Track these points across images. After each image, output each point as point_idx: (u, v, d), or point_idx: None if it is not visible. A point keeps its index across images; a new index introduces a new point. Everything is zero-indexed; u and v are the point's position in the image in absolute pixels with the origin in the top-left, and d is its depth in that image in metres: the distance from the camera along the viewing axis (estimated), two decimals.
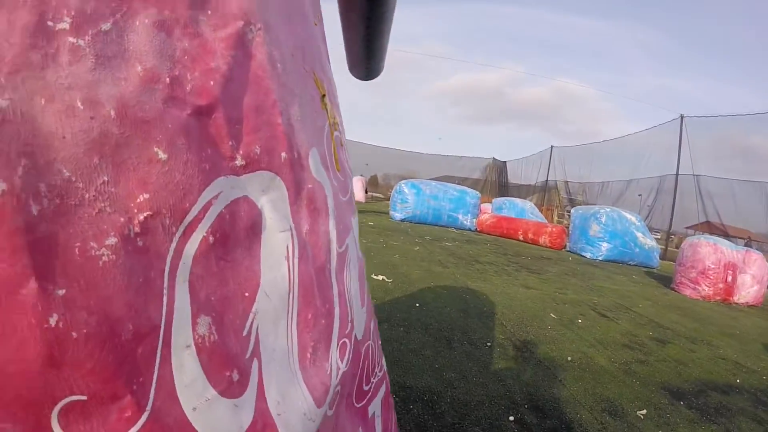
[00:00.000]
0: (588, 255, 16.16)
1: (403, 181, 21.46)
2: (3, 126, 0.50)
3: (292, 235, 0.84)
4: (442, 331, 5.11)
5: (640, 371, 4.91)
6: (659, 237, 24.82)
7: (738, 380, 5.14)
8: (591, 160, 33.45)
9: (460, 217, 20.75)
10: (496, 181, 52.28)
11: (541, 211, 28.17)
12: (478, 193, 22.07)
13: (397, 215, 20.50)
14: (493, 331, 5.49)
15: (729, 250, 10.96)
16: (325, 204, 0.95)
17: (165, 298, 0.61)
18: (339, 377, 0.94)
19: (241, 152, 0.74)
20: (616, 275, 12.55)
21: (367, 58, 0.54)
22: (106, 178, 0.57)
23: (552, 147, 38.90)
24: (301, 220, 0.87)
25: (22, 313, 0.49)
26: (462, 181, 39.61)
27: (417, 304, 6.13)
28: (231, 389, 0.69)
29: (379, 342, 1.36)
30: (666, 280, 12.47)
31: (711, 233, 16.91)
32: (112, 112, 0.59)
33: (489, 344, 4.94)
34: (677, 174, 24.41)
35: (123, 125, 0.59)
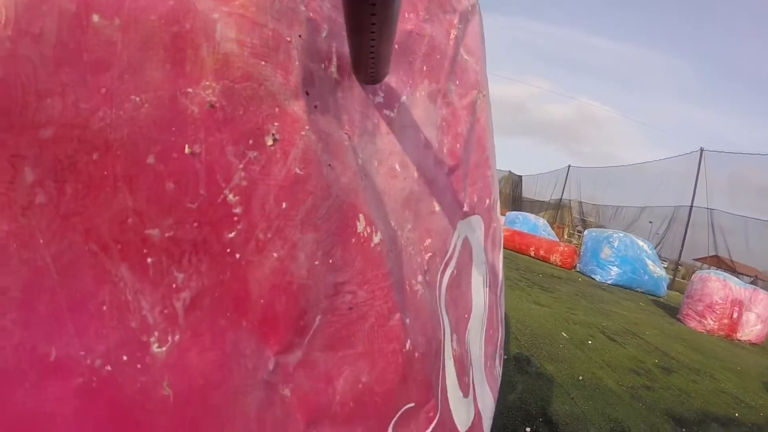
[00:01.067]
0: (597, 278, 16.22)
1: None
2: (363, 181, 0.60)
3: (486, 267, 0.98)
4: None
5: (646, 396, 5.15)
6: (667, 266, 24.75)
7: (737, 414, 5.35)
8: (607, 182, 33.28)
9: None
10: (510, 194, 51.90)
11: (552, 228, 28.09)
12: None
13: None
14: (509, 344, 5.69)
15: (737, 288, 11.05)
16: (501, 240, 1.11)
17: (442, 322, 0.76)
18: (500, 379, 1.15)
19: (467, 201, 0.88)
20: (624, 300, 12.70)
21: (372, 62, 0.57)
22: (410, 227, 0.70)
23: (569, 166, 38.67)
24: (490, 254, 1.02)
25: (389, 340, 0.61)
26: None
27: None
28: (465, 389, 0.85)
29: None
30: (672, 310, 12.58)
31: (718, 267, 16.95)
32: (415, 174, 0.72)
33: (505, 357, 5.17)
34: (691, 206, 24.30)
35: (420, 184, 0.72)
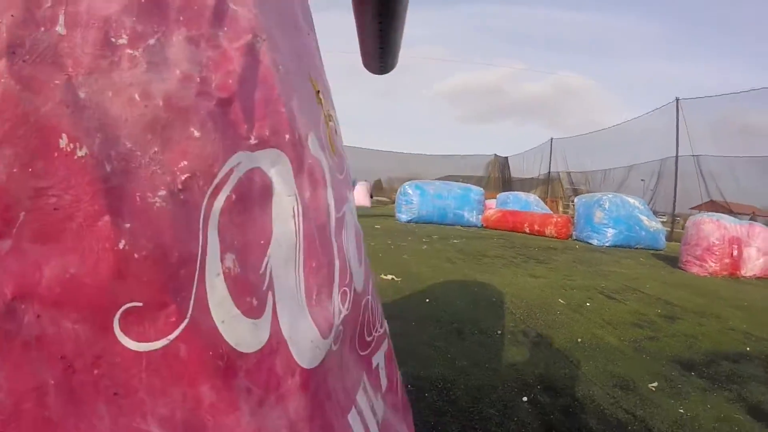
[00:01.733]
0: (595, 242, 16.21)
1: (406, 183, 21.52)
2: (84, 110, 0.69)
3: (296, 199, 1.02)
4: (452, 323, 5.20)
5: (650, 347, 5.00)
6: (665, 220, 24.87)
7: (748, 348, 5.23)
8: (591, 149, 33.56)
9: (466, 214, 20.75)
10: (500, 176, 52.35)
11: (545, 203, 28.25)
12: (481, 189, 22.09)
13: (403, 217, 20.56)
14: (503, 319, 5.59)
15: (732, 225, 11.04)
16: (323, 177, 1.13)
17: (200, 238, 0.80)
18: (341, 318, 1.12)
19: (254, 134, 0.93)
20: (623, 259, 12.62)
21: (380, 54, 0.64)
22: (156, 149, 0.77)
23: (552, 139, 38.97)
24: (304, 188, 1.05)
25: (99, 239, 0.68)
26: (466, 179, 39.68)
27: (427, 300, 6.24)
28: (251, 311, 0.87)
29: (380, 303, 1.51)
30: (673, 261, 12.52)
31: (715, 212, 17.01)
32: (160, 102, 0.79)
33: (499, 332, 5.04)
34: (677, 156, 24.47)
35: (168, 111, 0.79)
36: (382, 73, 0.65)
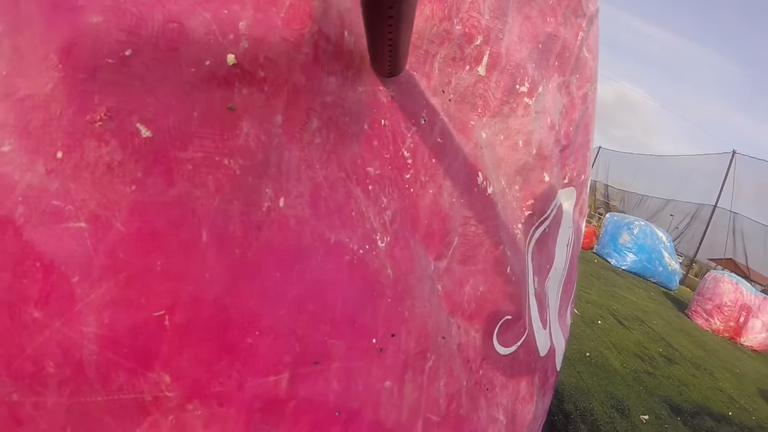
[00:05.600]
0: (613, 261, 16.31)
1: None
2: (484, 149, 0.83)
3: (572, 230, 1.17)
4: None
5: (648, 381, 5.37)
6: (682, 261, 24.64)
7: (730, 413, 5.55)
8: (635, 170, 32.84)
9: None
10: None
11: None
12: None
13: None
14: None
15: (748, 293, 11.07)
16: (585, 210, 1.30)
17: (526, 263, 0.95)
18: (569, 330, 1.35)
19: (568, 174, 1.07)
20: (636, 288, 12.84)
21: (390, 56, 0.65)
22: (517, 187, 0.91)
23: (600, 147, 38.17)
24: (577, 220, 1.20)
25: (497, 263, 0.86)
26: None
27: None
28: (544, 323, 1.05)
29: None
30: (681, 305, 12.71)
31: (733, 271, 16.87)
32: (534, 150, 0.92)
33: None
34: (715, 206, 24.05)
35: (536, 158, 0.93)
36: (390, 76, 0.73)
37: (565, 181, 1.06)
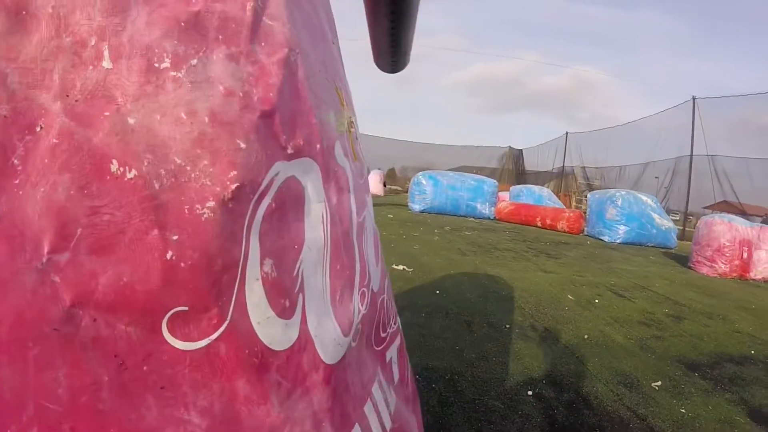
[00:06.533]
0: (606, 238, 16.18)
1: (420, 173, 21.52)
2: (132, 135, 0.78)
3: (325, 205, 1.10)
4: (462, 315, 5.29)
5: (656, 346, 5.05)
6: (677, 218, 24.75)
7: (753, 351, 5.26)
8: (607, 145, 33.32)
9: (479, 206, 20.76)
10: (513, 169, 52.10)
11: (558, 197, 28.11)
12: (495, 181, 22.01)
13: (416, 207, 20.60)
14: (512, 314, 5.66)
15: (743, 227, 11.01)
16: (347, 184, 1.22)
17: (243, 245, 0.87)
18: (359, 317, 1.21)
19: (291, 144, 0.99)
20: (633, 257, 12.63)
21: (392, 52, 0.71)
22: (206, 162, 0.83)
23: (567, 133, 38.71)
24: (331, 194, 1.14)
25: (148, 251, 0.76)
26: (479, 170, 39.40)
27: (437, 292, 6.31)
28: (284, 312, 0.95)
29: (393, 299, 1.62)
30: (683, 260, 12.51)
31: (728, 212, 16.86)
32: (206, 118, 0.85)
33: (508, 326, 5.11)
34: (691, 155, 24.28)
35: (214, 126, 0.86)
36: (393, 72, 0.68)
37: (290, 151, 1.01)
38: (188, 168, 0.83)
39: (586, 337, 5.08)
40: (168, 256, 0.79)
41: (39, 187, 0.72)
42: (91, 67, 0.79)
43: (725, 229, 10.95)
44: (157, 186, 0.80)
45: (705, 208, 26.24)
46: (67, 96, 0.76)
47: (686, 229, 23.49)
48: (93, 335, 0.74)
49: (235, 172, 0.87)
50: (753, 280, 10.71)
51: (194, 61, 0.89)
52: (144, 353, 0.77)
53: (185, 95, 0.85)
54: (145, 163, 0.78)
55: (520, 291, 6.89)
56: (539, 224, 18.62)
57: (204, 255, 0.83)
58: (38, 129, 0.74)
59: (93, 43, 0.80)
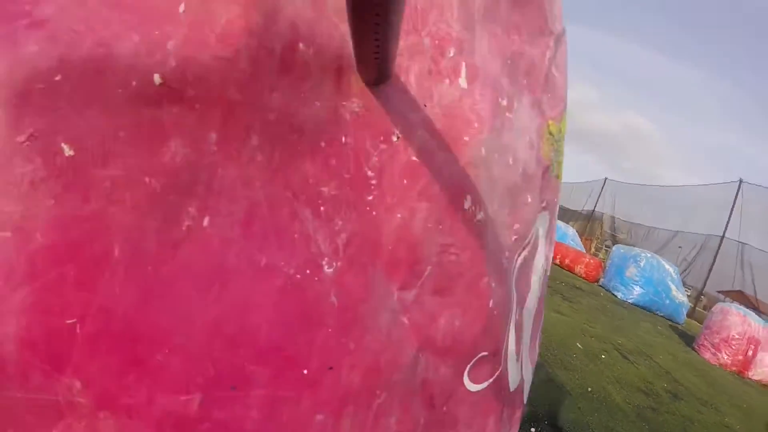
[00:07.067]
0: (620, 295, 16.13)
1: None
2: (481, 171, 0.80)
3: (545, 257, 1.15)
4: None
5: (651, 418, 5.27)
6: (690, 294, 24.46)
7: None
8: (642, 201, 32.77)
9: None
10: None
11: (581, 239, 27.78)
12: None
13: None
14: None
15: (756, 325, 10.93)
16: (554, 238, 1.25)
17: (511, 292, 0.93)
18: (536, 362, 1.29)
19: (546, 198, 1.04)
20: (642, 321, 12.68)
21: (376, 63, 0.64)
22: (507, 211, 0.89)
23: (606, 179, 38.16)
24: (548, 249, 1.18)
25: (478, 297, 0.81)
26: None
27: None
28: (518, 356, 1.02)
29: None
30: (688, 339, 12.53)
31: (741, 303, 16.68)
32: (521, 168, 0.90)
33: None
34: (723, 236, 23.91)
35: (522, 178, 0.90)
36: (376, 84, 0.69)
37: (543, 204, 1.04)
38: (504, 212, 0.87)
39: (589, 389, 5.29)
40: (490, 304, 0.84)
41: (395, 212, 0.72)
42: (447, 81, 0.79)
43: (739, 321, 10.93)
44: (489, 232, 0.83)
45: (719, 292, 25.92)
46: (425, 106, 0.76)
47: (697, 308, 23.24)
48: (422, 378, 0.77)
49: (518, 226, 0.93)
50: (750, 379, 10.71)
51: (516, 105, 0.90)
52: (448, 394, 0.81)
53: (513, 140, 0.88)
54: (488, 207, 0.82)
55: None
56: (558, 262, 18.50)
57: (504, 304, 0.89)
58: (395, 138, 0.73)
59: (452, 55, 0.79)
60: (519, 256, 0.96)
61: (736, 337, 10.84)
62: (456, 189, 0.76)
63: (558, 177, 1.14)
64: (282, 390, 0.63)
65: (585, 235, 35.19)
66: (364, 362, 0.69)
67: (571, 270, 17.93)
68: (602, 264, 18.72)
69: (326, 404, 0.66)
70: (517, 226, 0.91)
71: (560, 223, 24.22)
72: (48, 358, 0.53)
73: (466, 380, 0.84)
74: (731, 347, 10.81)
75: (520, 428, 3.57)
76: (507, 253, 0.89)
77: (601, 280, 17.71)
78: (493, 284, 0.84)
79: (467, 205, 0.76)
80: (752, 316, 11.19)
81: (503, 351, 0.93)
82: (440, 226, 0.74)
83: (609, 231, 34.82)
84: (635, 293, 15.88)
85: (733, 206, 23.93)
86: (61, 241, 0.55)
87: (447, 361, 0.79)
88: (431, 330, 0.76)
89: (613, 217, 35.51)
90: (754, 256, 23.57)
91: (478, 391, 0.88)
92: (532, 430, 3.76)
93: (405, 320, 0.73)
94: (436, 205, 0.74)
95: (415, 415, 0.77)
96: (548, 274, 1.30)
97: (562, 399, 4.65)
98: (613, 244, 20.93)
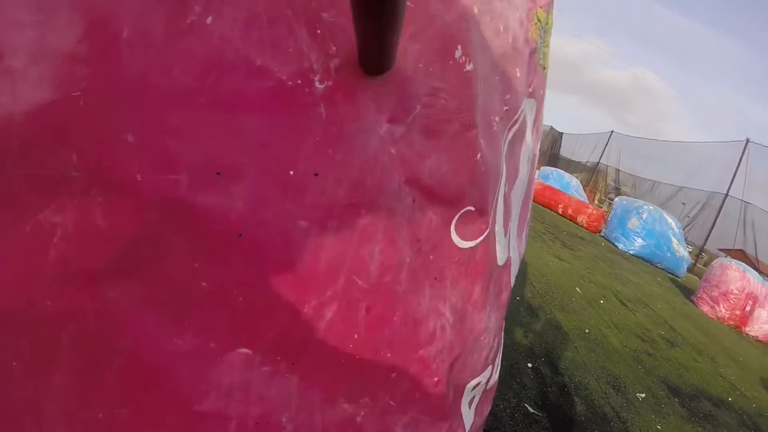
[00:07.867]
0: (620, 246, 16.15)
1: None
2: (475, 27, 0.80)
3: (531, 149, 1.18)
4: None
5: (647, 361, 5.27)
6: (691, 251, 24.57)
7: (730, 399, 5.44)
8: (647, 156, 32.63)
9: None
10: (549, 150, 51.28)
11: (584, 191, 27.77)
12: None
13: None
14: (524, 288, 5.83)
15: (755, 282, 10.96)
16: (540, 133, 1.28)
17: (501, 163, 0.95)
18: (523, 252, 1.34)
19: (532, 84, 1.07)
20: (642, 272, 12.73)
21: (378, 52, 0.63)
22: (498, 78, 0.89)
23: (612, 131, 37.95)
24: (533, 140, 1.20)
25: (466, 147, 0.83)
26: None
27: None
28: (506, 231, 1.04)
29: None
30: (687, 292, 12.57)
31: (743, 262, 16.70)
32: (510, 39, 0.91)
33: (518, 299, 5.29)
34: (726, 195, 23.87)
35: (512, 49, 0.93)
36: (377, 74, 0.67)
37: (530, 89, 1.06)
38: (496, 78, 0.89)
39: (586, 331, 5.29)
40: (478, 157, 0.84)
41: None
42: None
43: (738, 276, 10.95)
44: (480, 86, 0.83)
45: (720, 250, 25.97)
46: None
47: (697, 264, 23.36)
48: (409, 216, 0.78)
49: (509, 96, 0.95)
50: (747, 334, 10.78)
51: None
52: (435, 242, 0.83)
53: (505, 9, 0.88)
54: (479, 60, 0.82)
55: (533, 270, 7.04)
56: (560, 211, 18.51)
57: (491, 162, 0.89)
58: None
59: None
60: (509, 130, 0.98)
61: (735, 291, 10.87)
62: (447, 38, 0.76)
63: (544, 68, 1.18)
64: (266, 187, 0.63)
65: (588, 186, 35.15)
66: (350, 177, 0.70)
67: (573, 220, 17.93)
68: (605, 215, 18.70)
69: (310, 211, 0.67)
70: (507, 96, 0.93)
71: (564, 173, 24.23)
72: (51, 130, 0.53)
73: (453, 233, 0.85)
74: (729, 302, 10.85)
75: (517, 363, 3.58)
76: (497, 118, 0.91)
77: (603, 230, 17.72)
78: (482, 141, 0.84)
79: (458, 54, 0.77)
80: (751, 272, 11.21)
81: (491, 214, 0.93)
82: (431, 69, 0.75)
83: (613, 184, 34.75)
84: (636, 245, 15.92)
85: (738, 165, 23.80)
86: (82, 20, 0.54)
87: (433, 206, 0.81)
88: (418, 166, 0.77)
89: (617, 170, 35.42)
90: (757, 216, 23.58)
91: (466, 249, 0.89)
92: (529, 365, 3.76)
93: (393, 151, 0.73)
94: (427, 48, 0.74)
95: (400, 252, 0.78)
96: (535, 165, 1.34)
97: (560, 339, 4.64)
98: (616, 197, 20.87)
